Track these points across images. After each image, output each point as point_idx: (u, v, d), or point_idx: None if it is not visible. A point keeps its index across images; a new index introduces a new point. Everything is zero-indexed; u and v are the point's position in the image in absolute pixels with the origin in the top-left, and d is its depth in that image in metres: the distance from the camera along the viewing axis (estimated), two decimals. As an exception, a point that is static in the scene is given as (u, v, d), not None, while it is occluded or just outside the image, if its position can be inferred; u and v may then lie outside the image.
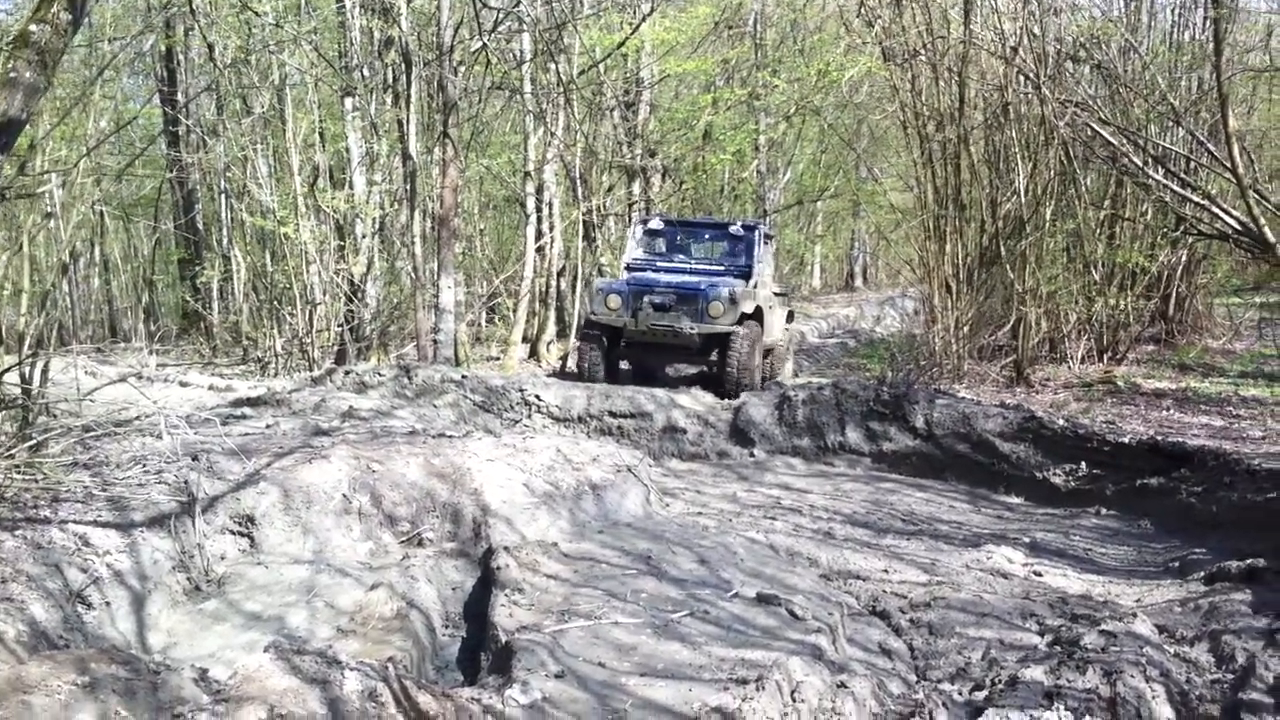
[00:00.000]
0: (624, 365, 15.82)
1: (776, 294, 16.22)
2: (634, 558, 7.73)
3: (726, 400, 13.58)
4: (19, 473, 6.88)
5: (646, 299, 14.04)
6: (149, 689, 4.63)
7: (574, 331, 18.78)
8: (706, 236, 16.18)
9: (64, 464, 7.31)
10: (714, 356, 14.27)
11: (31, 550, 5.99)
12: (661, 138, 23.71)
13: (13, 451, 6.99)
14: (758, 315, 14.55)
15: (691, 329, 13.82)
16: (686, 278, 14.57)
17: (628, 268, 15.44)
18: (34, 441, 7.27)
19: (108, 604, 6.10)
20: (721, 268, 15.15)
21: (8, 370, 7.61)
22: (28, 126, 7.02)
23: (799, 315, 28.81)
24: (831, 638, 6.47)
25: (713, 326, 13.87)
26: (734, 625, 6.43)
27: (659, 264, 15.42)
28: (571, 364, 17.64)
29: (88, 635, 5.80)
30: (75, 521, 6.43)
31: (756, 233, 15.35)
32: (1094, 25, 17.88)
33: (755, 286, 14.80)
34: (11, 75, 6.28)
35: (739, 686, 5.46)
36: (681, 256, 15.69)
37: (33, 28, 6.31)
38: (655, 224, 16.04)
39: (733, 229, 15.47)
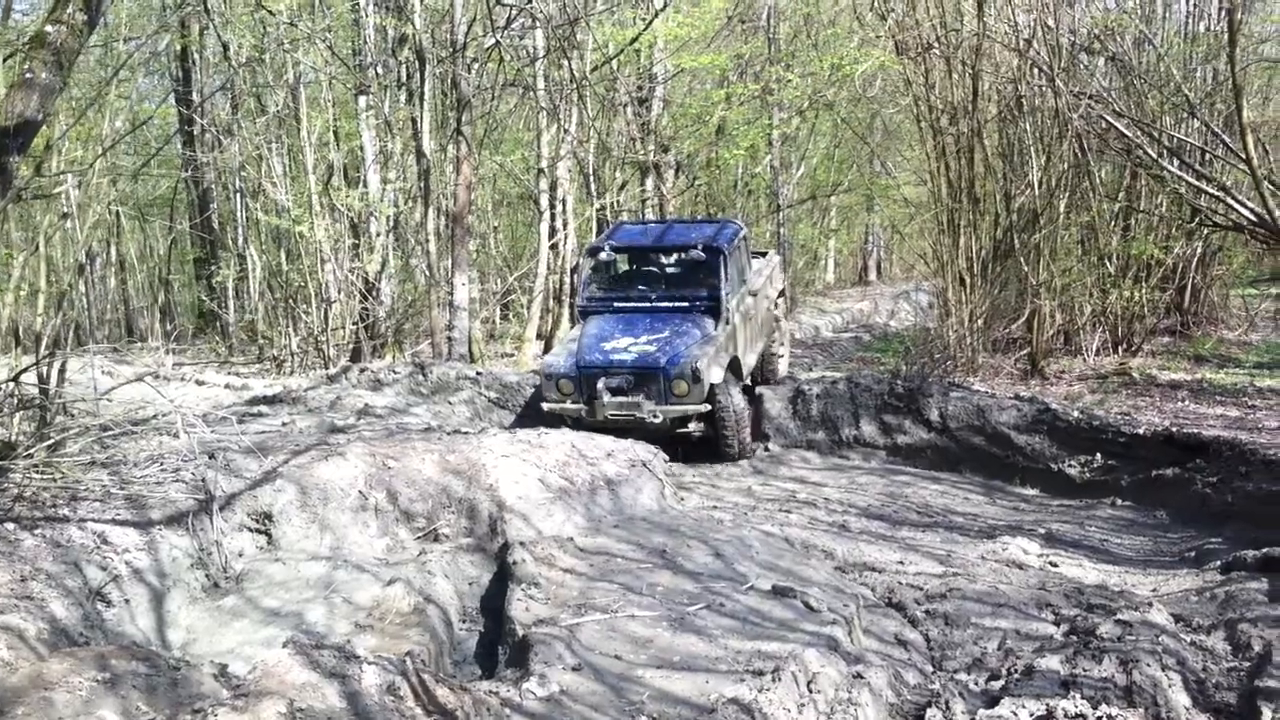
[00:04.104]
0: None
1: (752, 293, 13.93)
2: (649, 552, 7.76)
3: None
4: (38, 472, 6.93)
5: (601, 383, 11.91)
6: (169, 684, 4.68)
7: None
8: (665, 261, 13.90)
9: (82, 463, 7.36)
10: (692, 424, 12.27)
11: (51, 548, 6.04)
12: (675, 133, 23.68)
13: (31, 451, 7.04)
14: (735, 366, 12.69)
15: (656, 417, 11.86)
16: (644, 345, 12.23)
17: (583, 312, 13.41)
18: (52, 441, 7.32)
19: (127, 601, 6.15)
20: (687, 303, 12.88)
21: (25, 370, 7.66)
22: (44, 127, 7.07)
23: (813, 310, 28.81)
24: (847, 629, 6.49)
25: (680, 407, 11.91)
26: (750, 617, 6.45)
27: (616, 303, 13.24)
28: None
29: (107, 632, 5.85)
30: (94, 520, 6.47)
31: (722, 254, 12.97)
32: (1108, 17, 17.79)
33: (728, 322, 12.75)
34: (28, 76, 6.33)
35: (755, 678, 5.49)
36: (642, 287, 13.54)
37: (49, 28, 6.36)
38: (605, 255, 13.62)
39: (694, 253, 12.98)
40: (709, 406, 12.02)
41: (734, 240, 13.50)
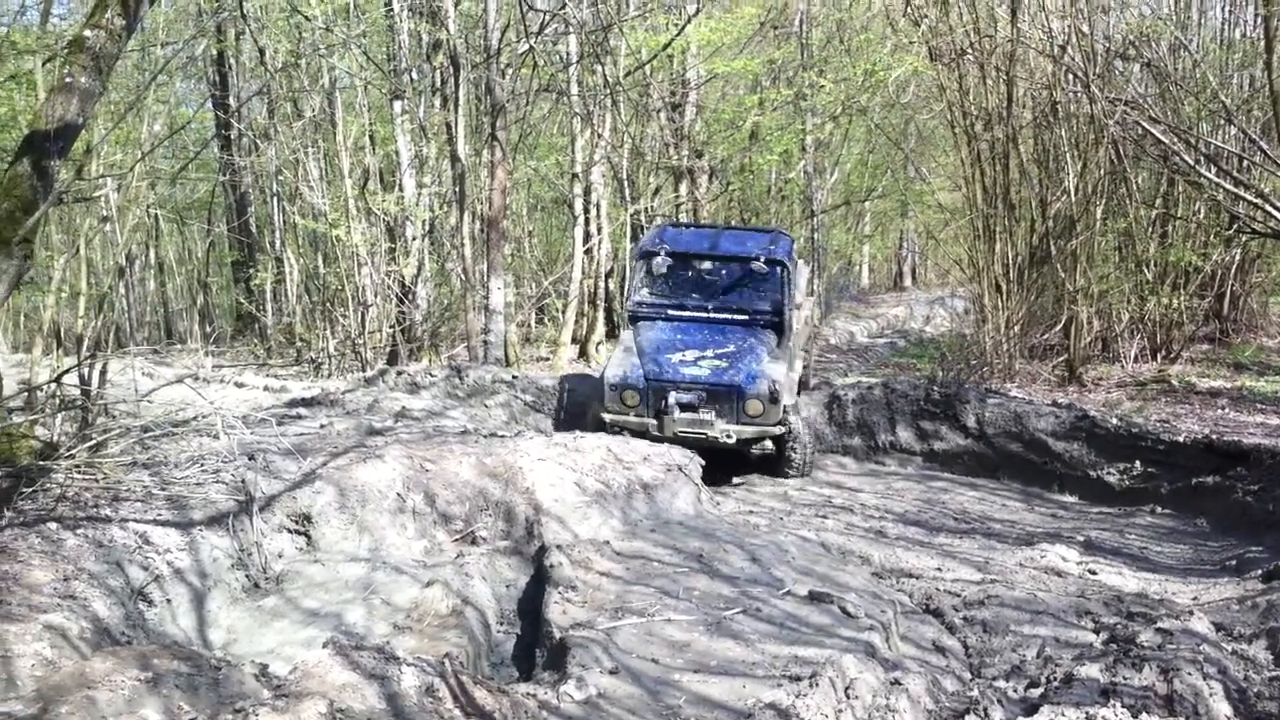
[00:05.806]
0: None
1: (797, 306, 13.18)
2: (686, 556, 7.74)
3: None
4: (80, 472, 6.98)
5: (672, 398, 11.37)
6: (211, 684, 4.70)
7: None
8: (724, 272, 12.97)
9: (123, 464, 7.40)
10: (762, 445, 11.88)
11: (93, 548, 6.08)
12: (708, 138, 23.67)
13: (73, 451, 7.10)
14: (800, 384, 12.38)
15: (729, 437, 11.32)
16: (715, 360, 11.73)
17: (633, 318, 12.76)
18: (94, 442, 7.38)
19: (169, 601, 6.19)
20: (746, 316, 12.40)
21: (67, 371, 7.73)
22: (84, 131, 7.12)
23: (848, 315, 28.74)
24: (885, 635, 6.47)
25: (755, 428, 11.43)
26: (787, 623, 6.44)
27: (670, 311, 12.62)
28: None
29: (149, 632, 5.88)
30: (136, 520, 6.51)
31: (784, 266, 12.51)
32: (1143, 23, 17.70)
33: (791, 341, 12.34)
34: (68, 80, 6.38)
35: (793, 683, 5.47)
36: (697, 296, 12.77)
37: (87, 33, 6.41)
38: (661, 259, 12.70)
39: (756, 266, 12.45)
40: (783, 428, 11.59)
41: (791, 251, 13.11)
